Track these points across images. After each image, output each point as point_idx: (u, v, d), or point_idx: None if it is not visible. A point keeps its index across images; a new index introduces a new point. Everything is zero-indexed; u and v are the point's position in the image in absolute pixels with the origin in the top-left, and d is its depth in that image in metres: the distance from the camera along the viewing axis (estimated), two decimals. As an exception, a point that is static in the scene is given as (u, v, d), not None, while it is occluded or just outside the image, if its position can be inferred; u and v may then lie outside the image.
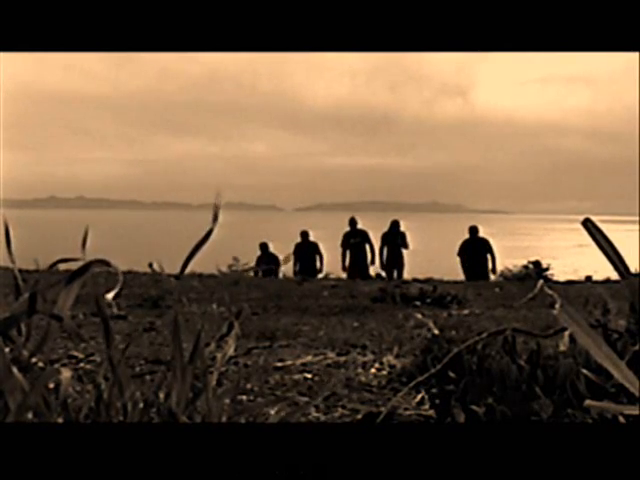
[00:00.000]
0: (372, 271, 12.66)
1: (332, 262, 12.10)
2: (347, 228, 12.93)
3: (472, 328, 2.99)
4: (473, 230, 12.60)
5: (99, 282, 1.39)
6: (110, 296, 1.33)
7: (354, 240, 12.67)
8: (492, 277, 10.77)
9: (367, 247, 12.79)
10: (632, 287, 1.17)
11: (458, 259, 12.42)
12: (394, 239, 12.90)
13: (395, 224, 13.15)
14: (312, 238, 13.10)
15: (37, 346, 1.30)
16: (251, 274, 11.06)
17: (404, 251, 13.01)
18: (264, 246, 13.07)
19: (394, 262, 12.79)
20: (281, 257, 13.03)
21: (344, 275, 12.53)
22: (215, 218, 1.32)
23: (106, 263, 1.30)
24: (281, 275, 11.79)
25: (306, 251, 12.77)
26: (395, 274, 12.69)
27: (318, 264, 12.78)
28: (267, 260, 12.65)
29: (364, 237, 12.85)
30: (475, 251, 12.21)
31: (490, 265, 12.31)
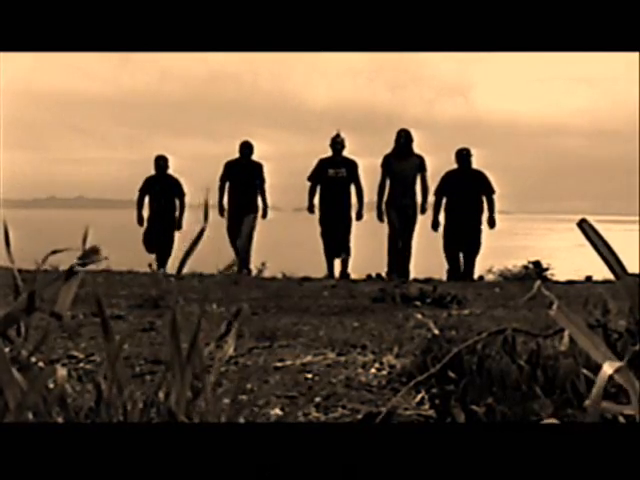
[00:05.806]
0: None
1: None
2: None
3: (472, 328, 2.98)
4: (463, 155, 7.46)
5: (98, 282, 1.39)
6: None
7: (335, 171, 7.69)
8: (490, 277, 8.33)
9: (352, 187, 7.83)
10: (628, 288, 1.17)
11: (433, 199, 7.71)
12: (404, 164, 7.53)
13: (405, 135, 7.59)
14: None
15: (36, 346, 1.30)
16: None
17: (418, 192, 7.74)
18: (160, 162, 8.47)
19: (402, 203, 7.59)
20: (184, 185, 8.50)
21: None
22: (206, 217, 1.33)
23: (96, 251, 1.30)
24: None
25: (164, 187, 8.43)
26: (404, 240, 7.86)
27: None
28: (162, 187, 8.56)
29: (351, 170, 7.77)
30: (464, 189, 7.43)
31: (487, 214, 7.64)
